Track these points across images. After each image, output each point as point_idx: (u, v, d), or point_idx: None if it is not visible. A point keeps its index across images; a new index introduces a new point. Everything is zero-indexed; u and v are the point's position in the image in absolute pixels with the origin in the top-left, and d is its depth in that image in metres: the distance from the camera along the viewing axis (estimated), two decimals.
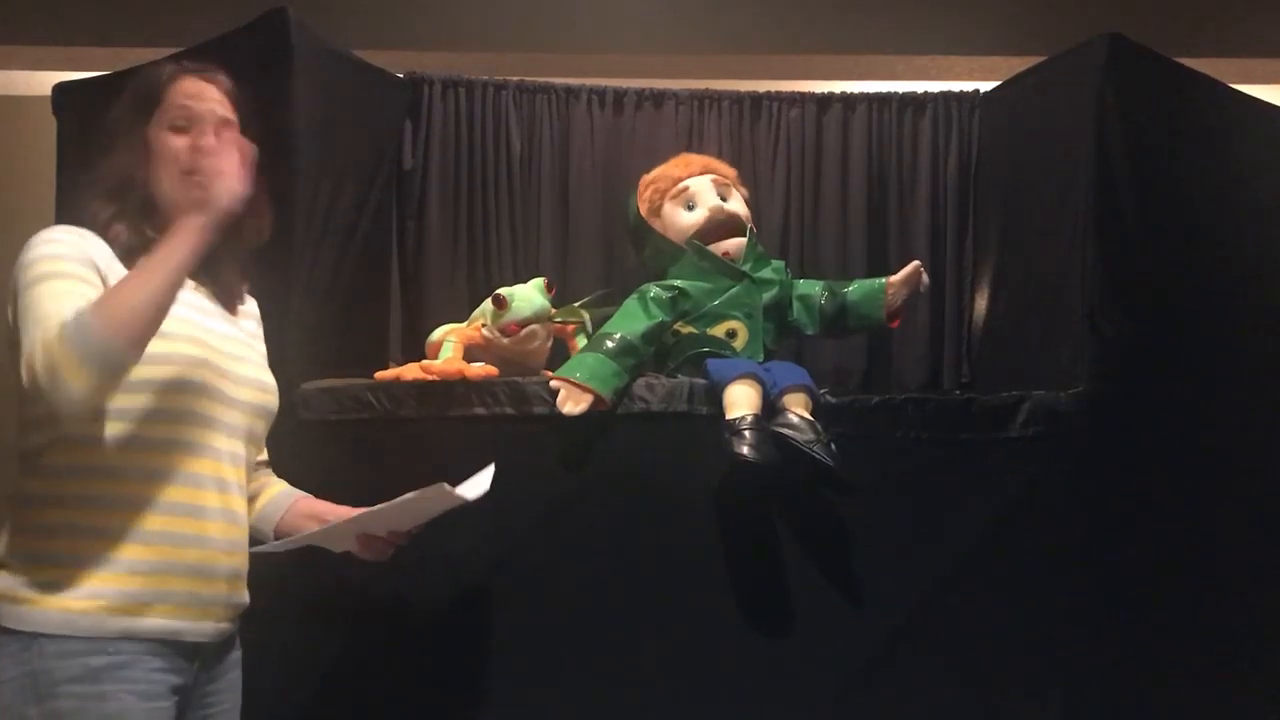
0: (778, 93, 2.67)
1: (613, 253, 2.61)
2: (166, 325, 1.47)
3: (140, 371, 1.45)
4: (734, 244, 2.27)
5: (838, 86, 2.70)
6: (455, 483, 1.65)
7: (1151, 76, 2.22)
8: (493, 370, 2.08)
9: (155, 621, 1.44)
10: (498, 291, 2.13)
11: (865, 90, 2.69)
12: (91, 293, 1.41)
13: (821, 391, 2.08)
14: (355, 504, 1.71)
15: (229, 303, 1.66)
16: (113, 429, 1.45)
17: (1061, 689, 2.06)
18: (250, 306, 1.73)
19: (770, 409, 2.01)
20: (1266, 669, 2.21)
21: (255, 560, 1.63)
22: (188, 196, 1.55)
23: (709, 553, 2.03)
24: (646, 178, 2.38)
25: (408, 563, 1.75)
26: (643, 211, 2.35)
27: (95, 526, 1.43)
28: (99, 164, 1.58)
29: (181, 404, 1.49)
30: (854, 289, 2.32)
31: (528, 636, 2.02)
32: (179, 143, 1.56)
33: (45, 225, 1.52)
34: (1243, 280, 2.31)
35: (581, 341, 2.24)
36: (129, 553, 1.44)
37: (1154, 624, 2.10)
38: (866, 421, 2.08)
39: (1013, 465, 2.09)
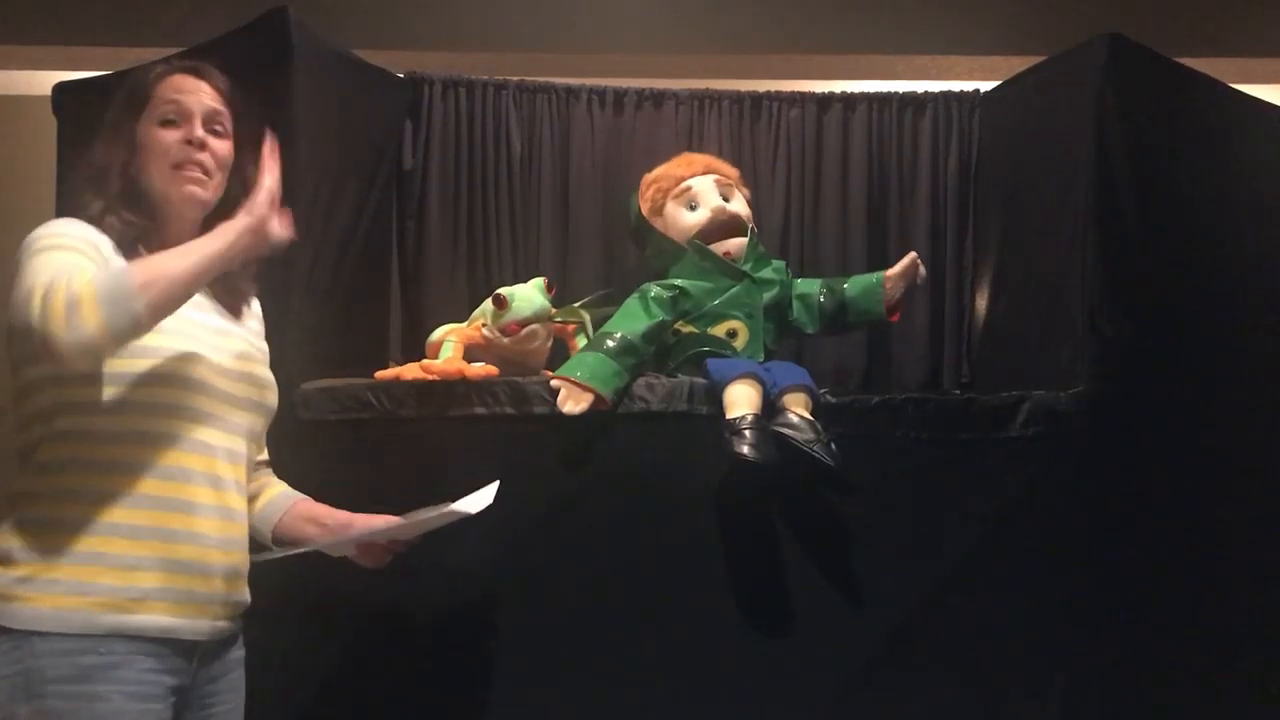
0: (778, 93, 2.67)
1: (613, 253, 2.61)
2: (165, 321, 1.48)
3: (133, 365, 1.46)
4: (735, 244, 2.27)
5: (838, 86, 2.70)
6: (457, 486, 1.65)
7: (1151, 76, 2.22)
8: (493, 370, 2.08)
9: (147, 618, 1.44)
10: (498, 291, 2.13)
11: (865, 90, 2.69)
12: (96, 270, 1.42)
13: (821, 391, 2.08)
14: (355, 504, 1.71)
15: (234, 303, 1.66)
16: (105, 423, 1.46)
17: (1061, 689, 2.06)
18: (254, 307, 1.73)
19: (770, 409, 2.01)
20: (1267, 669, 2.21)
21: (256, 562, 1.63)
22: (179, 191, 1.56)
23: (709, 553, 2.03)
24: (649, 177, 2.38)
25: (408, 564, 1.75)
26: (645, 211, 2.35)
27: (85, 521, 1.43)
28: (91, 160, 1.58)
29: (174, 399, 1.49)
30: (852, 285, 2.32)
31: (528, 636, 2.02)
32: (169, 137, 1.57)
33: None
34: (1243, 280, 2.31)
35: (582, 341, 2.24)
36: (118, 548, 1.43)
37: (1154, 624, 2.10)
38: (866, 421, 2.08)
39: (1013, 465, 2.09)
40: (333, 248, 2.20)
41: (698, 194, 2.30)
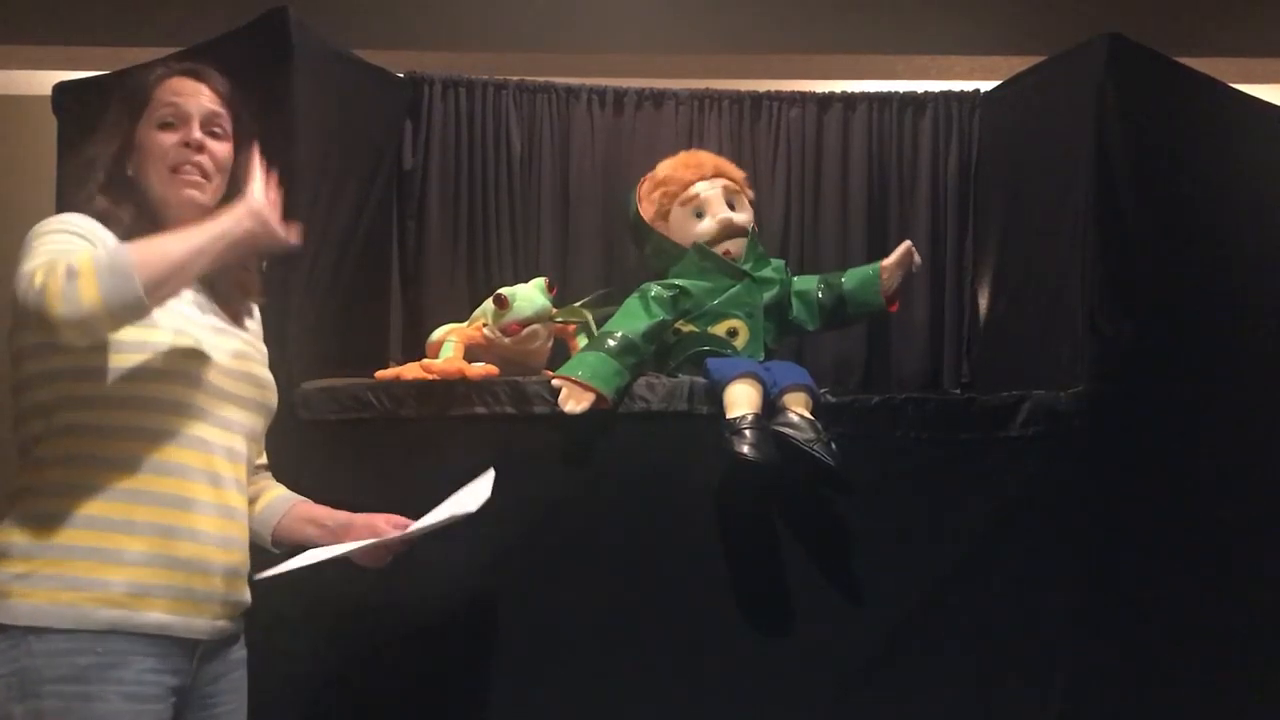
0: (778, 93, 2.67)
1: (613, 253, 2.61)
2: (162, 318, 1.48)
3: (132, 360, 1.46)
4: (735, 243, 2.27)
5: (838, 86, 2.70)
6: (457, 486, 1.65)
7: (1152, 76, 2.22)
8: (493, 370, 2.08)
9: (146, 615, 1.43)
10: (499, 291, 2.13)
11: (865, 90, 2.69)
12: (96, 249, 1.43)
13: (822, 391, 2.08)
14: (355, 504, 1.71)
15: (234, 305, 1.66)
16: (104, 418, 1.46)
17: (1061, 689, 2.06)
18: (254, 312, 1.73)
19: (770, 408, 2.01)
20: (1267, 669, 2.21)
21: (256, 563, 1.63)
22: (177, 194, 1.56)
23: (709, 553, 2.03)
24: (654, 177, 2.36)
25: (408, 563, 1.75)
26: (650, 213, 2.33)
27: (84, 517, 1.43)
28: (91, 163, 1.58)
29: (172, 395, 1.49)
30: (849, 278, 2.32)
31: (528, 636, 2.02)
32: (167, 140, 1.58)
33: None
34: (1243, 280, 2.31)
35: (582, 341, 2.24)
36: (118, 543, 1.43)
37: (1154, 623, 2.10)
38: (867, 421, 2.08)
39: (1013, 465, 2.09)
40: (333, 248, 2.20)
41: (706, 201, 2.28)
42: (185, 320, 1.54)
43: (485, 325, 2.15)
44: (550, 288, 2.18)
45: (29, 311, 1.36)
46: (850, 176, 2.65)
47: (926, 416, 2.09)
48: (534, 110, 2.60)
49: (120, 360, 1.46)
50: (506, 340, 2.12)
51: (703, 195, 2.29)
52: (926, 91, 2.68)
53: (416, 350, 2.34)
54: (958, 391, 2.49)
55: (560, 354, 2.25)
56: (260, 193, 1.50)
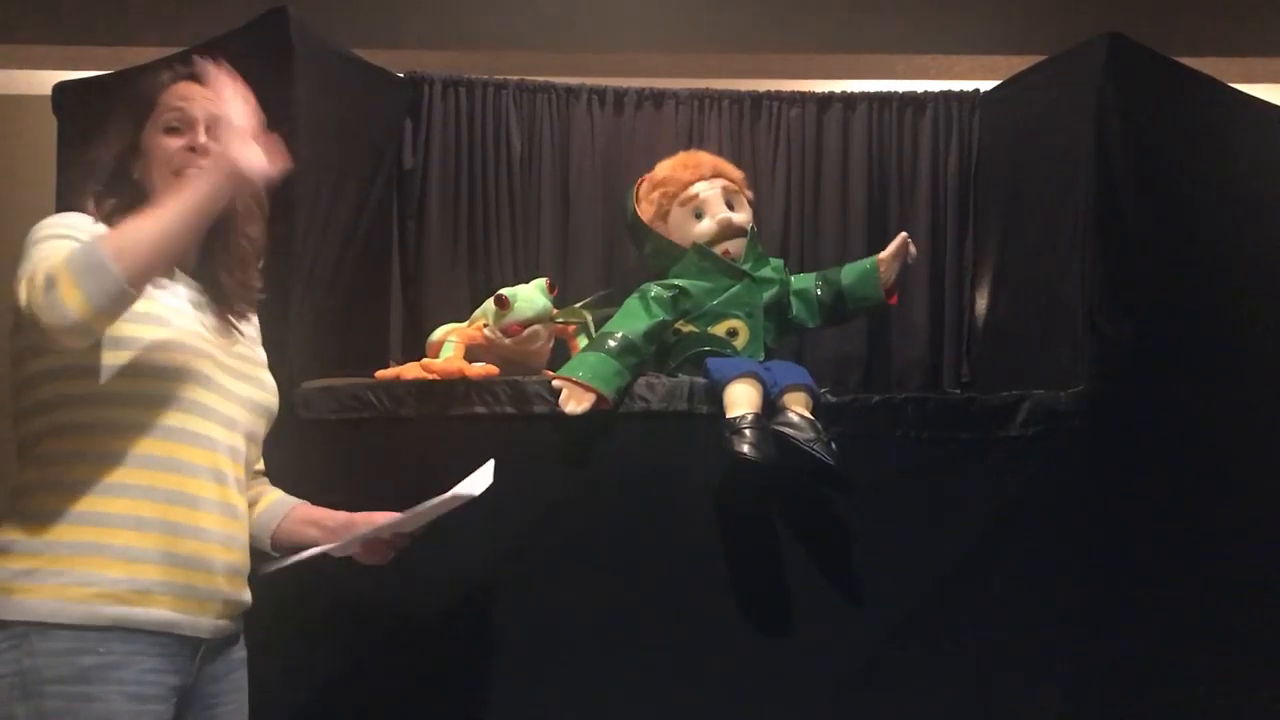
0: (778, 93, 2.67)
1: (613, 253, 2.60)
2: (164, 312, 1.48)
3: (135, 357, 1.46)
4: (734, 243, 2.27)
5: (838, 86, 2.70)
6: (457, 483, 1.65)
7: (1152, 76, 2.23)
8: (493, 370, 2.08)
9: (150, 612, 1.43)
10: (500, 292, 2.13)
11: (865, 90, 2.69)
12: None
13: (822, 390, 2.08)
14: (355, 504, 1.71)
15: (233, 308, 1.66)
16: (108, 414, 1.46)
17: (1062, 689, 2.06)
18: (251, 318, 1.73)
19: (770, 408, 2.01)
20: (1267, 669, 2.21)
21: (256, 563, 1.63)
22: None
23: (709, 552, 2.03)
24: (653, 177, 2.36)
25: (409, 564, 1.75)
26: (649, 213, 2.33)
27: (88, 513, 1.43)
28: (95, 165, 1.59)
29: (177, 391, 1.49)
30: (847, 273, 2.32)
31: (528, 636, 2.02)
32: (172, 144, 1.58)
33: None
34: (1243, 280, 2.31)
35: (583, 341, 2.24)
36: (123, 539, 1.43)
37: (1155, 623, 2.10)
38: (867, 420, 2.08)
39: (1013, 464, 2.09)
40: (333, 247, 2.20)
41: (705, 202, 2.28)
42: (190, 319, 1.54)
43: (486, 325, 2.15)
44: (551, 288, 2.18)
45: (25, 324, 1.37)
46: (850, 176, 2.65)
47: (926, 416, 2.09)
48: (534, 110, 2.60)
49: (123, 357, 1.46)
50: (507, 341, 2.12)
51: (702, 195, 2.29)
52: (926, 91, 2.68)
53: (416, 350, 2.34)
54: (958, 391, 2.49)
55: (561, 354, 2.25)
56: (231, 135, 1.44)
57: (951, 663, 2.05)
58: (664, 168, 2.35)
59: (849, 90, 2.69)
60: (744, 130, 2.65)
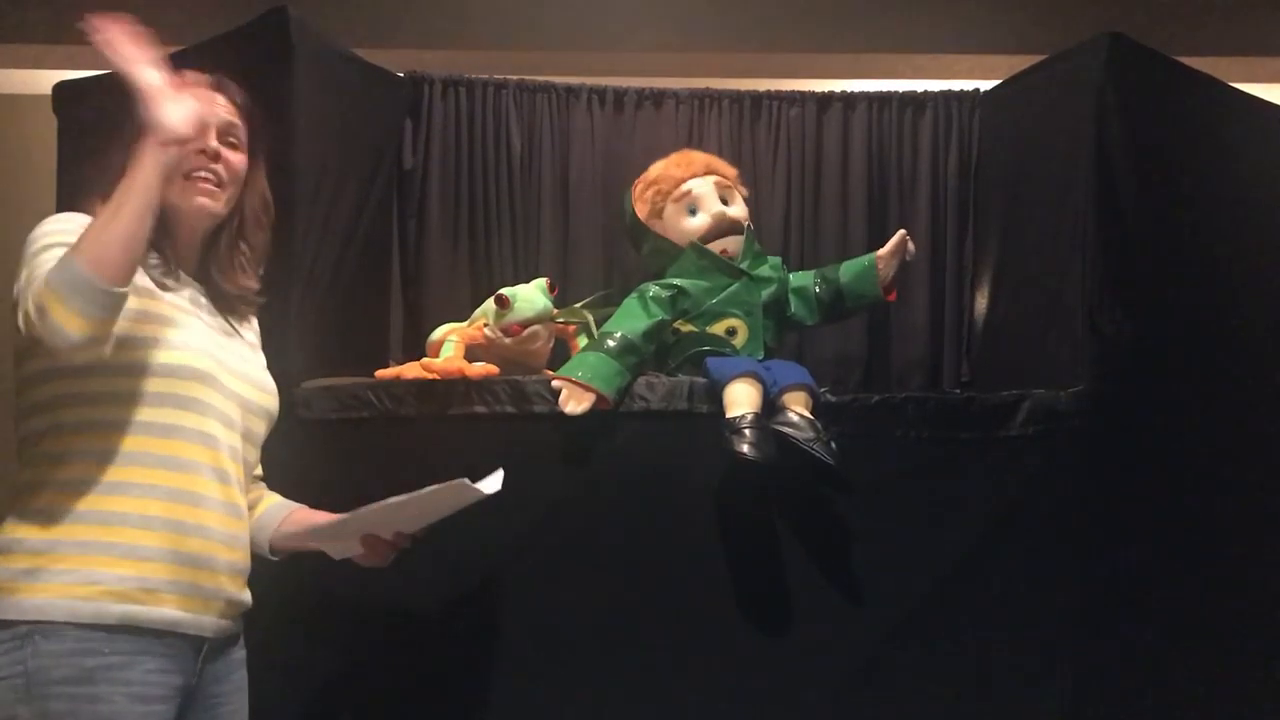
0: (778, 92, 2.67)
1: (613, 253, 2.60)
2: (166, 312, 1.48)
3: (137, 354, 1.46)
4: (732, 242, 2.27)
5: (838, 86, 2.70)
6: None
7: (1152, 76, 2.22)
8: (493, 369, 2.08)
9: (157, 611, 1.43)
10: (500, 291, 2.13)
11: (865, 90, 2.69)
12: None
13: (822, 390, 2.08)
14: (355, 504, 1.70)
15: (233, 311, 1.66)
16: (110, 413, 1.46)
17: (1061, 689, 2.06)
18: (251, 322, 1.74)
19: (770, 407, 2.01)
20: (1267, 669, 2.21)
21: (257, 563, 1.63)
22: (189, 201, 1.57)
23: (709, 552, 2.03)
24: (647, 177, 2.36)
25: (408, 563, 1.75)
26: (644, 212, 2.34)
27: (94, 511, 1.43)
28: (101, 168, 1.58)
29: (178, 389, 1.50)
30: (845, 271, 2.32)
31: (529, 636, 2.02)
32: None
33: None
34: (1243, 280, 2.31)
35: (583, 341, 2.24)
36: (129, 538, 1.43)
37: (1155, 624, 2.10)
38: (867, 420, 2.08)
39: (1013, 464, 2.09)
40: (333, 247, 2.20)
41: (698, 198, 2.29)
42: (188, 318, 1.55)
43: (486, 325, 2.15)
44: (551, 288, 2.18)
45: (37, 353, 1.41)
46: (850, 176, 2.65)
47: (926, 416, 2.09)
48: (534, 110, 2.60)
49: (124, 356, 1.46)
50: (507, 340, 2.12)
51: (695, 191, 2.29)
52: (926, 91, 2.68)
53: (416, 350, 2.34)
54: (958, 391, 2.49)
55: (561, 354, 2.25)
56: (156, 104, 1.44)
57: (951, 663, 2.05)
58: (657, 167, 2.36)
59: (849, 90, 2.69)
60: (744, 130, 2.65)
